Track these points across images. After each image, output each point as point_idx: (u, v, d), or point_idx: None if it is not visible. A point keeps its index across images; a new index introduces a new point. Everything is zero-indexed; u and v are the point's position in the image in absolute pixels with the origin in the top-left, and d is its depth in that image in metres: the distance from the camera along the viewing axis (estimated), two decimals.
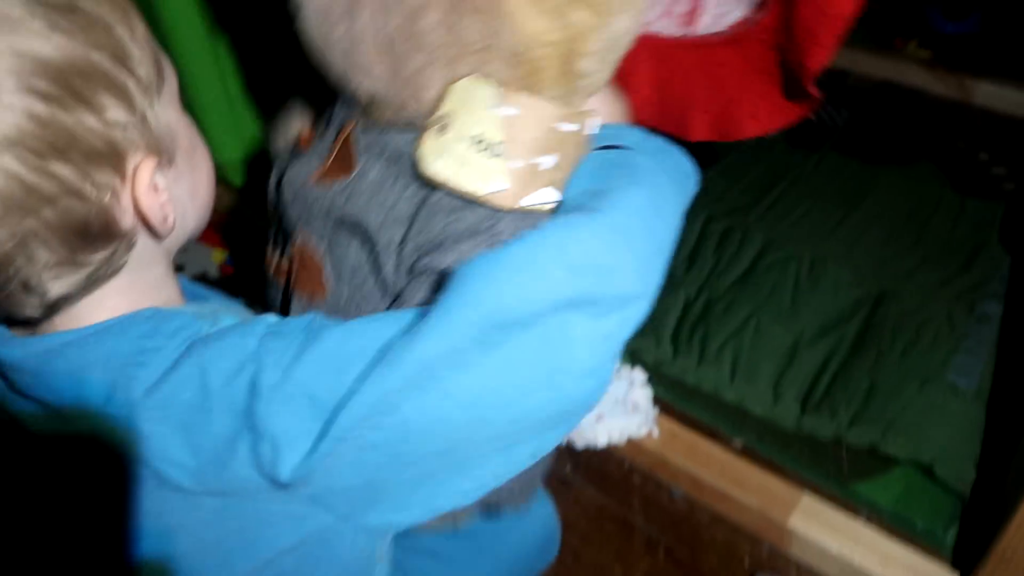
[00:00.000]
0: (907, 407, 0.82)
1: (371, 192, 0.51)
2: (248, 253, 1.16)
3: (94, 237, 0.43)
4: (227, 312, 0.50)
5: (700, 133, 0.72)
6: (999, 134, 1.27)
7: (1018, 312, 0.93)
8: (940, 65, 1.38)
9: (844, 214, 1.10)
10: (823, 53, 0.60)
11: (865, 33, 1.50)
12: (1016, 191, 1.14)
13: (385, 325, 0.44)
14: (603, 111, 0.55)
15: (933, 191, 1.13)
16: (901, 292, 0.97)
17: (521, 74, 0.48)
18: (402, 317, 0.44)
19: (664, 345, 0.93)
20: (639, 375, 0.78)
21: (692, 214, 1.07)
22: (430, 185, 0.48)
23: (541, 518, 0.73)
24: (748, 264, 1.02)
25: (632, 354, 0.93)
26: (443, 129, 0.47)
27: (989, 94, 1.33)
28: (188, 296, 0.55)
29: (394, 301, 0.53)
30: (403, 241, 0.50)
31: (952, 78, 1.36)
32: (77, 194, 0.41)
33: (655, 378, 0.91)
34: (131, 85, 0.43)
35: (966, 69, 1.36)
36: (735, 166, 1.19)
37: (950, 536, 0.74)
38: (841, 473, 0.79)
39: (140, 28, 0.45)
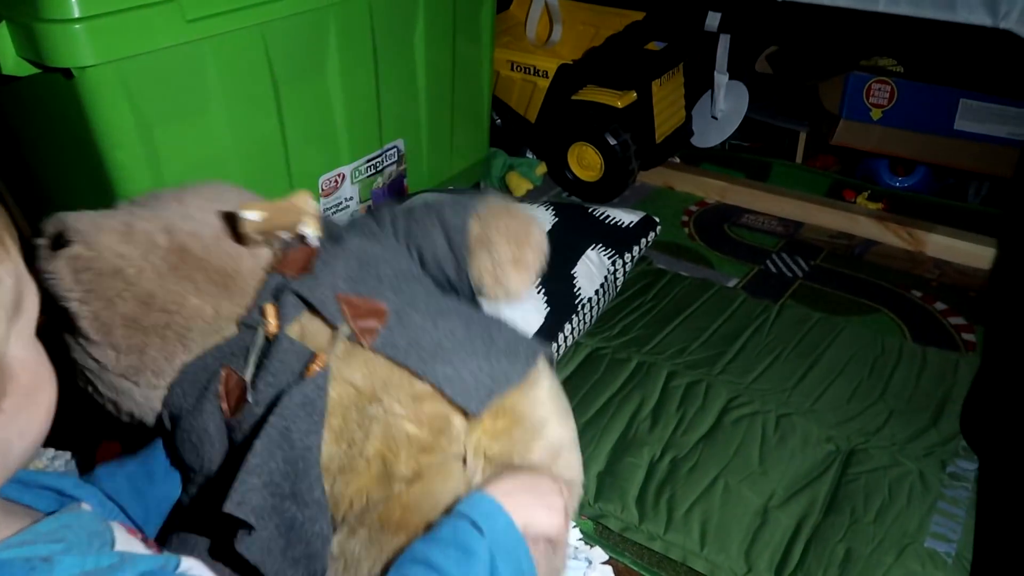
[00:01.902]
0: None
1: None
2: None
3: None
4: (72, 546, 0.42)
5: None
6: (953, 284, 1.29)
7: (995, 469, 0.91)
8: (891, 217, 1.43)
9: (808, 366, 1.08)
10: None
11: (815, 185, 1.56)
12: (980, 345, 1.15)
13: None
14: None
15: (894, 341, 1.13)
16: (870, 449, 0.94)
17: None
18: None
19: (629, 509, 0.88)
20: (598, 554, 0.74)
21: (654, 370, 1.07)
22: None
23: None
24: (713, 420, 0.99)
25: (595, 520, 0.88)
26: None
27: (940, 244, 1.37)
28: (45, 501, 0.49)
29: None
30: None
31: (903, 229, 1.40)
32: None
33: (620, 545, 0.86)
34: None
35: (917, 221, 1.41)
36: (695, 319, 1.19)
37: None
38: None
39: (12, 251, 0.42)
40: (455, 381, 0.59)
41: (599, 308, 1.12)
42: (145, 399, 0.65)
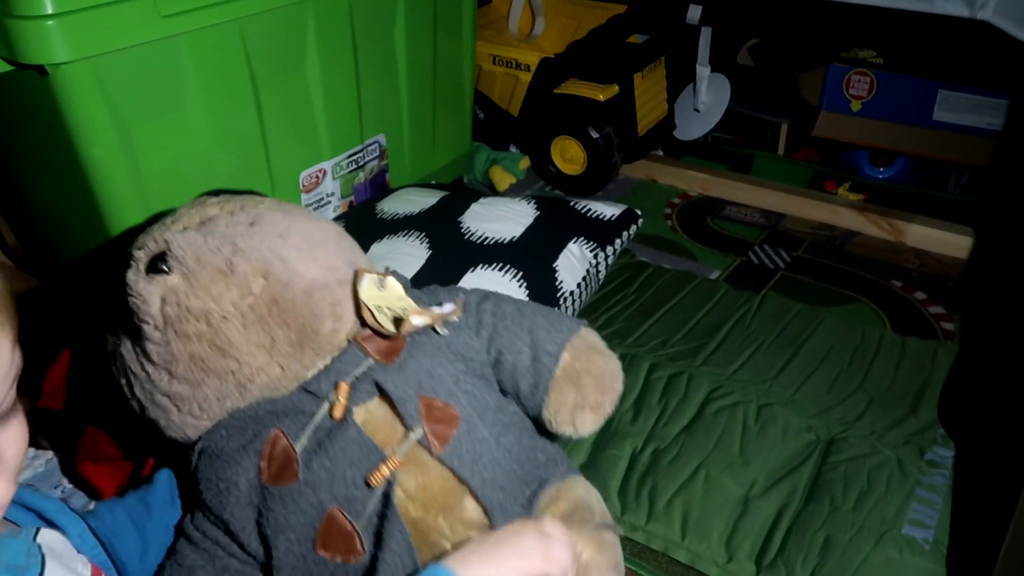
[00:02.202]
0: (865, 566, 0.79)
1: None
2: None
3: None
4: None
5: None
6: (933, 273, 1.30)
7: (971, 456, 0.92)
8: (872, 208, 1.43)
9: (789, 357, 1.09)
10: None
11: (797, 177, 1.57)
12: (959, 333, 1.16)
13: None
14: None
15: (874, 331, 1.14)
16: (850, 438, 0.95)
17: None
18: None
19: (612, 500, 0.89)
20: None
21: (636, 362, 1.07)
22: None
23: None
24: (695, 411, 1.00)
25: None
26: None
27: (920, 235, 1.38)
28: (27, 520, 0.50)
29: None
30: None
31: (884, 220, 1.41)
32: None
33: None
34: None
35: (897, 211, 1.42)
36: (678, 311, 1.19)
37: None
38: None
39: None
40: (505, 513, 0.61)
41: (581, 301, 1.12)
42: (180, 422, 0.65)
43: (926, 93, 1.46)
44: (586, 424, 0.68)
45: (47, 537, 0.51)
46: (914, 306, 1.23)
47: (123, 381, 0.66)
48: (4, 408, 0.42)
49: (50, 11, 0.81)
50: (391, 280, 0.68)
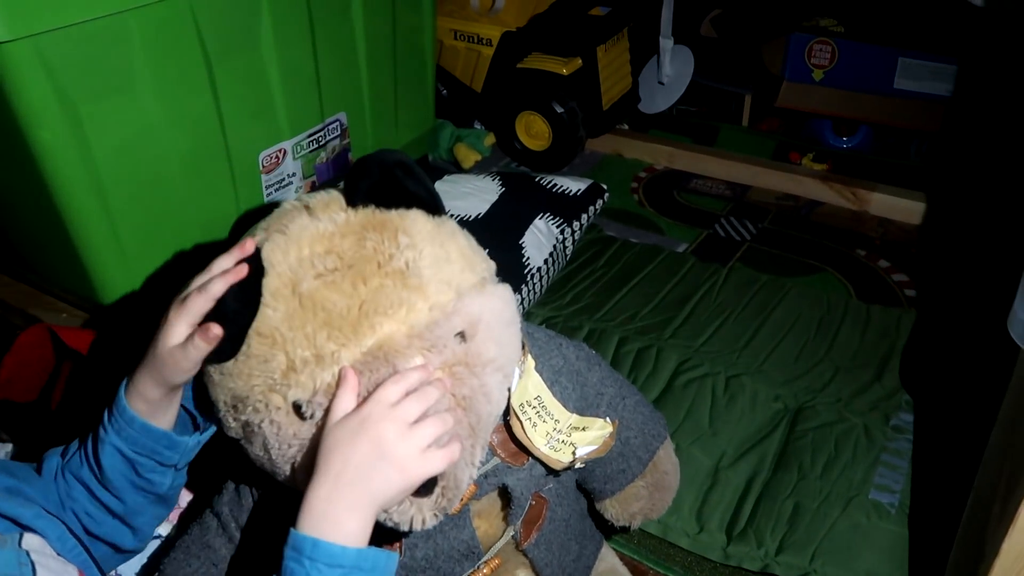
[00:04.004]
0: (833, 531, 0.80)
1: None
2: None
3: None
4: None
5: None
6: (896, 241, 1.31)
7: (931, 420, 0.93)
8: (835, 177, 1.44)
9: (756, 328, 1.10)
10: None
11: (762, 148, 1.57)
12: (918, 298, 1.17)
13: None
14: None
15: (839, 300, 1.15)
16: (817, 406, 0.96)
17: None
18: None
19: None
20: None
21: (604, 337, 1.07)
22: None
23: None
24: (664, 384, 1.00)
25: None
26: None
27: (883, 203, 1.39)
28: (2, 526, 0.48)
29: None
30: None
31: (847, 189, 1.42)
32: None
33: None
34: None
35: (860, 180, 1.42)
36: (645, 285, 1.19)
37: None
38: None
39: None
40: None
41: (549, 277, 1.11)
42: (287, 479, 0.52)
43: (887, 61, 1.46)
44: (637, 524, 0.70)
45: (31, 542, 0.50)
46: (878, 274, 1.24)
47: (242, 442, 0.53)
48: None
49: None
50: (530, 364, 0.59)
